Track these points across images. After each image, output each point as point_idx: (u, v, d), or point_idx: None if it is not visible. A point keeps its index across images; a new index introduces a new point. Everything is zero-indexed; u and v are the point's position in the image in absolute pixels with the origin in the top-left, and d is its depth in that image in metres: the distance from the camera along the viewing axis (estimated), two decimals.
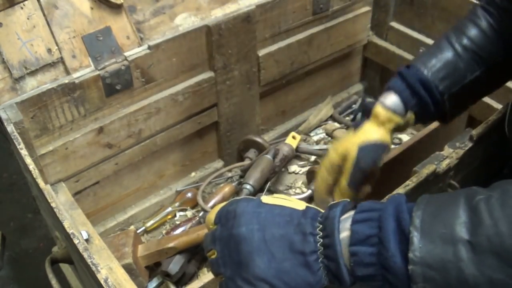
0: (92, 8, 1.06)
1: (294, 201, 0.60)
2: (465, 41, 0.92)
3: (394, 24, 1.53)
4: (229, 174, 1.41)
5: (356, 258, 0.52)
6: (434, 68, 0.90)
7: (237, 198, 0.61)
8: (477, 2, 0.98)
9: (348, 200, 0.58)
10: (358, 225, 0.53)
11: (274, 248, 0.54)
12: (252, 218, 0.56)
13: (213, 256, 0.58)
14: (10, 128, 0.91)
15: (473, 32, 0.92)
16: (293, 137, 1.41)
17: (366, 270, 0.52)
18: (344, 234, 0.54)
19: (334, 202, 0.58)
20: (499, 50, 0.91)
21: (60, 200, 1.04)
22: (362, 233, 0.52)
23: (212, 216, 0.61)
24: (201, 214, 1.26)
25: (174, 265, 1.09)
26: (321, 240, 0.54)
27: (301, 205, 0.59)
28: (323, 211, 0.58)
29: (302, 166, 1.45)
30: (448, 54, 0.91)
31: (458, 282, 0.46)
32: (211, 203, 1.24)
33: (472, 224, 0.47)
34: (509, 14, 0.91)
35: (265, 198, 0.59)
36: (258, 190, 1.24)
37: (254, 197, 0.61)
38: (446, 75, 0.87)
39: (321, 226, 0.55)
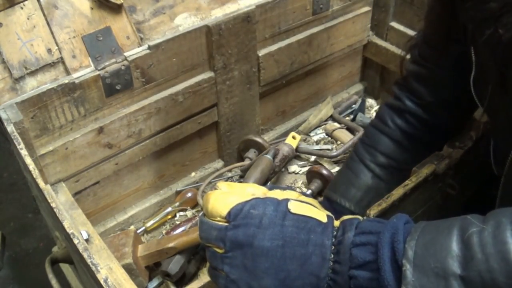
0: (92, 8, 1.06)
1: (319, 209, 0.58)
2: (380, 159, 0.91)
3: (394, 24, 1.53)
4: (229, 174, 1.41)
5: (356, 281, 0.52)
6: (355, 199, 0.89)
7: (261, 197, 0.57)
8: (384, 103, 0.97)
9: (360, 218, 0.57)
10: (357, 250, 0.52)
11: (292, 267, 0.54)
12: (279, 233, 0.54)
13: (218, 250, 0.56)
14: (10, 128, 0.91)
15: (385, 145, 0.91)
16: (293, 137, 1.41)
17: None
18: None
19: (347, 218, 0.57)
20: (415, 153, 0.91)
21: (60, 200, 1.04)
22: (361, 259, 0.52)
23: (223, 209, 0.56)
24: (201, 214, 1.26)
25: (174, 265, 1.09)
26: (331, 263, 0.54)
27: (324, 216, 0.57)
28: (337, 223, 0.57)
29: (302, 166, 1.45)
30: (365, 179, 0.90)
31: None
32: None
33: (465, 258, 0.46)
34: (417, 116, 0.90)
35: (293, 206, 0.56)
36: None
37: (279, 198, 0.57)
38: (368, 202, 0.86)
39: (333, 247, 0.54)
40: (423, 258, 0.48)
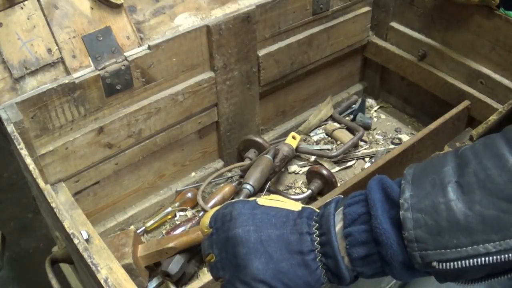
0: (92, 8, 1.06)
1: (290, 202, 0.60)
2: None
3: (394, 24, 1.53)
4: (229, 174, 1.41)
5: (351, 238, 0.52)
6: None
7: (232, 201, 0.61)
8: None
9: (341, 196, 0.59)
10: (350, 208, 0.54)
11: (271, 249, 0.54)
12: (248, 219, 0.56)
13: (212, 260, 0.58)
14: (10, 128, 0.91)
15: None
16: (293, 137, 1.41)
17: (362, 250, 0.52)
18: (339, 226, 0.54)
19: (329, 200, 0.58)
20: None
21: (60, 200, 1.04)
22: (354, 213, 0.53)
23: (206, 220, 0.60)
24: (201, 214, 1.26)
25: (174, 265, 1.09)
26: (318, 239, 0.54)
27: (297, 206, 0.59)
28: (318, 210, 0.58)
29: (302, 166, 1.45)
30: None
31: (449, 224, 0.46)
32: (211, 203, 1.24)
33: (459, 166, 0.48)
34: None
35: (261, 200, 0.59)
36: (258, 190, 1.24)
37: (249, 199, 0.60)
38: None
39: (317, 225, 0.55)
40: (420, 176, 0.50)
